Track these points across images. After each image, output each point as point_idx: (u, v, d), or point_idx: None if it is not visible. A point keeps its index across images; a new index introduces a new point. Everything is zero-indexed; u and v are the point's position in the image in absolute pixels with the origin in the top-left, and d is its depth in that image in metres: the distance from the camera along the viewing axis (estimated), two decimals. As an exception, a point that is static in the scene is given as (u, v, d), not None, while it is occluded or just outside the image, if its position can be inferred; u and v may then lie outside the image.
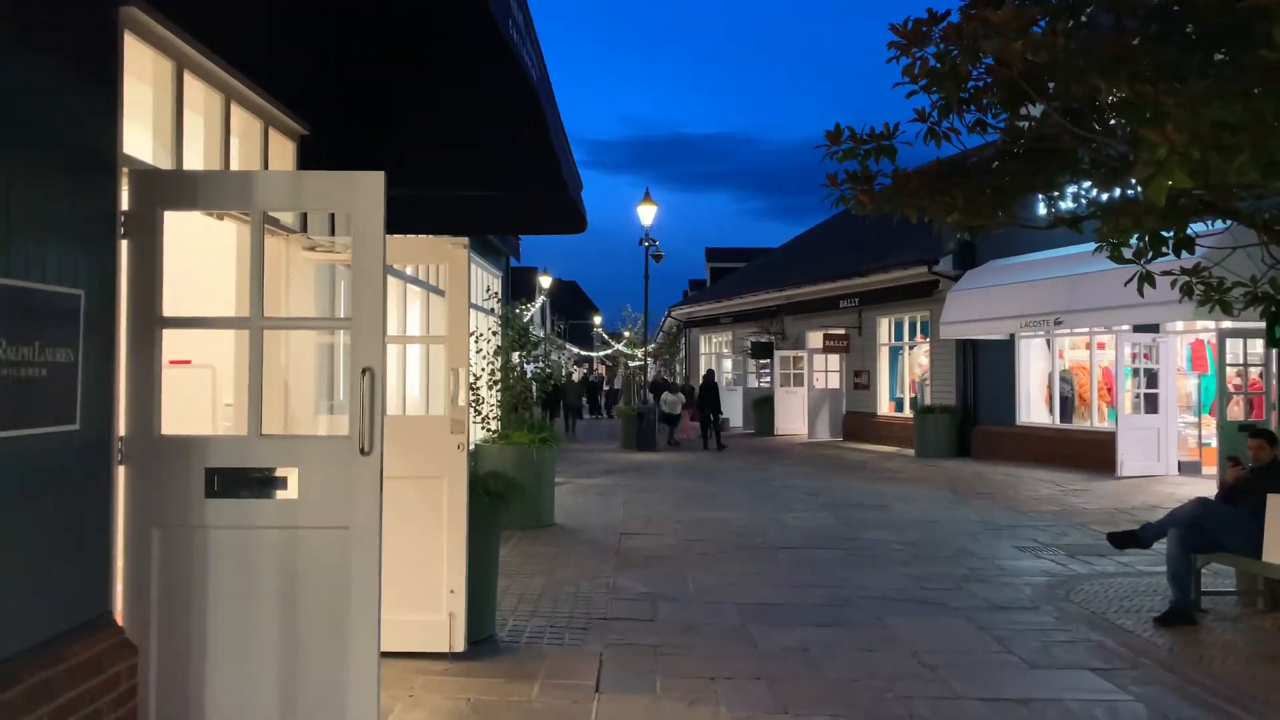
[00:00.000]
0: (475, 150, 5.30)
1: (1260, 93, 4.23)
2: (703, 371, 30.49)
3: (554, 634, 5.83)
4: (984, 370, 18.81)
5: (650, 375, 33.88)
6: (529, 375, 10.77)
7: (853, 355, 23.26)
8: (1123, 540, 6.71)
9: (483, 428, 9.88)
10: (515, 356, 10.65)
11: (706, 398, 22.03)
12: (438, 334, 5.13)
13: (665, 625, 6.11)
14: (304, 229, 5.38)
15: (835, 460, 18.47)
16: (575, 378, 43.01)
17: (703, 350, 34.40)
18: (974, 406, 18.96)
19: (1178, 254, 5.96)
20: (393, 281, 8.45)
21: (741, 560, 8.29)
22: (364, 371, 3.52)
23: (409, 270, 9.34)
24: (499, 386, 9.76)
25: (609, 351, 54.14)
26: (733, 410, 26.42)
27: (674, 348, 39.50)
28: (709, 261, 47.99)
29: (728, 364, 31.75)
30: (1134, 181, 5.89)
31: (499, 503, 5.70)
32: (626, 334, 46.84)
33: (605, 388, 50.06)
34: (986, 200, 6.55)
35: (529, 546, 8.63)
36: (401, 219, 5.99)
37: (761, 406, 25.97)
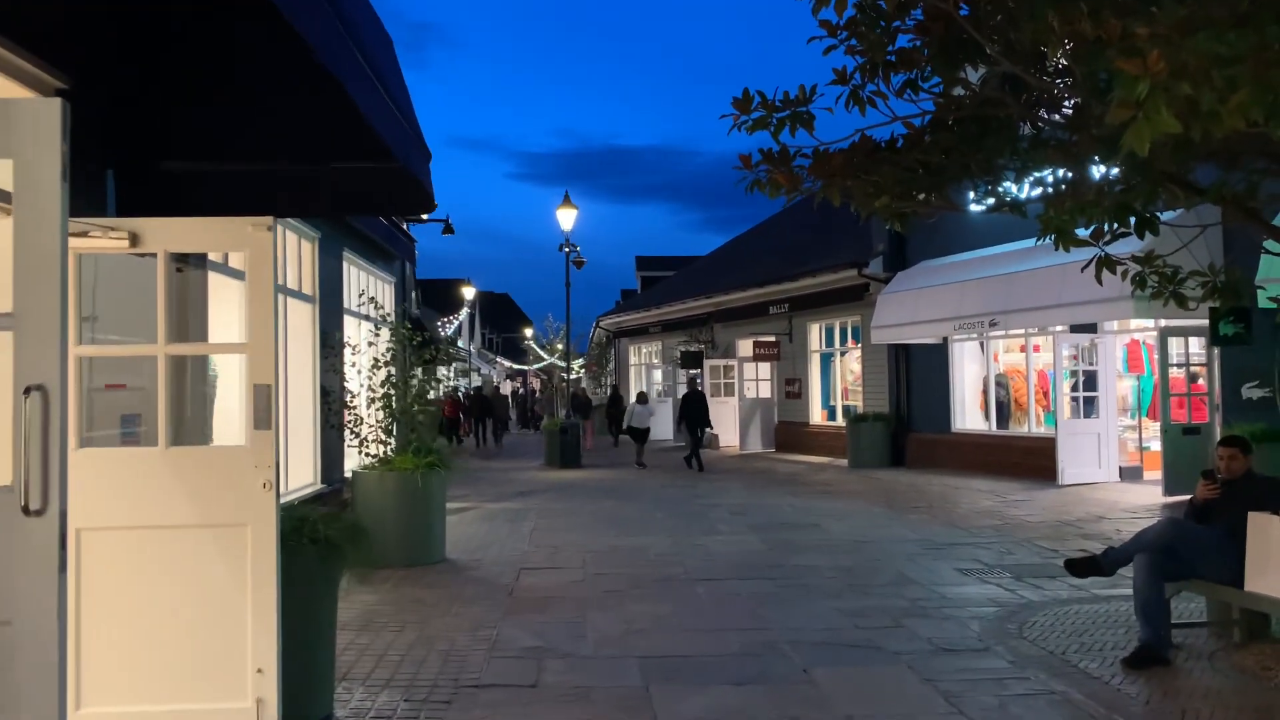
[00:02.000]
0: (274, 110, 4.18)
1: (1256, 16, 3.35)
2: (640, 380, 29.49)
3: (407, 711, 4.70)
4: (917, 376, 18.12)
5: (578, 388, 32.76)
6: (438, 389, 9.55)
7: (784, 363, 22.48)
8: (1083, 568, 5.84)
9: (361, 452, 8.69)
10: (442, 371, 9.44)
11: (692, 412, 18.63)
12: (238, 341, 3.95)
13: (549, 692, 5.02)
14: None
15: (766, 473, 17.57)
16: (504, 390, 41.70)
17: (632, 361, 33.41)
18: (908, 414, 18.25)
19: (1140, 235, 5.11)
20: (237, 284, 7.20)
21: (654, 598, 7.25)
22: (29, 392, 2.39)
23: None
24: (379, 404, 8.58)
25: (544, 364, 52.85)
26: (662, 422, 25.35)
27: (604, 359, 38.40)
28: (640, 270, 47.00)
29: (657, 374, 30.78)
30: (1095, 153, 5.05)
31: (335, 553, 4.56)
32: (559, 346, 45.61)
33: (536, 399, 48.85)
34: (919, 181, 5.66)
35: (409, 589, 7.46)
36: (209, 200, 4.85)
37: (692, 418, 24.98)
